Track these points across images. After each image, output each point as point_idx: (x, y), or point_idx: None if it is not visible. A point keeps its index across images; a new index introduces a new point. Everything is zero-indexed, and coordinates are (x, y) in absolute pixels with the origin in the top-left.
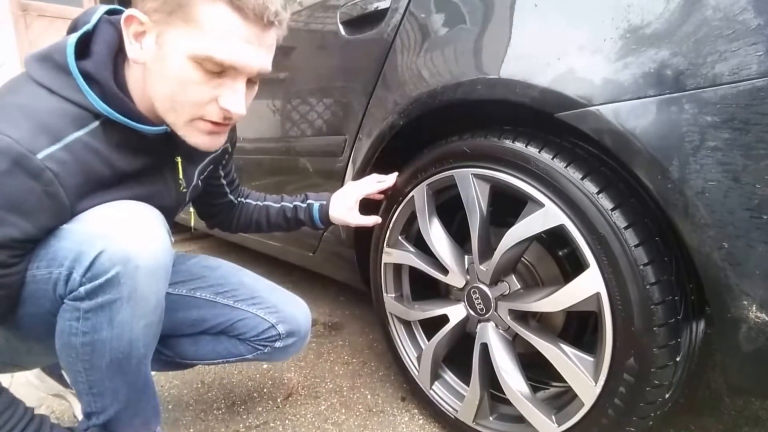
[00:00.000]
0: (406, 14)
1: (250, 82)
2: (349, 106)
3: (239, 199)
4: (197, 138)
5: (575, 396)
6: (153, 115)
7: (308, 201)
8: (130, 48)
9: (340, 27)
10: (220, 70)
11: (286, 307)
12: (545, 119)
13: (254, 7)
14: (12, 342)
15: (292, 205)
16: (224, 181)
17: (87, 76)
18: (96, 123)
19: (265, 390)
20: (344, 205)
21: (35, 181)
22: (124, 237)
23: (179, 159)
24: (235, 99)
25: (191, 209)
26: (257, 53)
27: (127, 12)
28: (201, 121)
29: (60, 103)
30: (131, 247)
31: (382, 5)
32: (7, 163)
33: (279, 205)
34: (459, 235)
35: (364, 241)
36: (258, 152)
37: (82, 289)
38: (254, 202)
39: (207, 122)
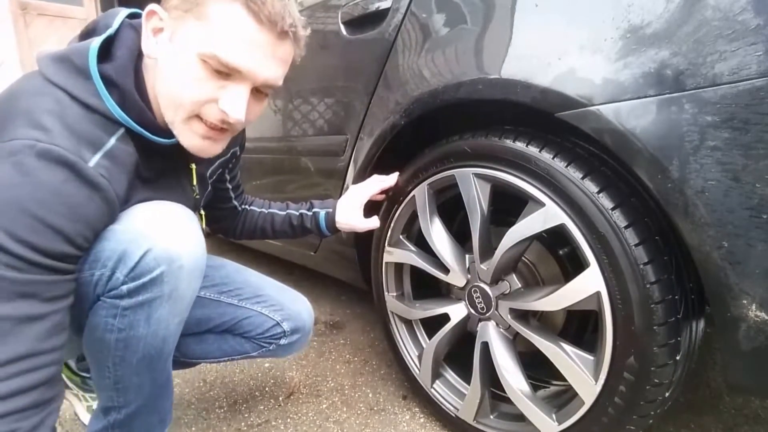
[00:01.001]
0: (407, 14)
1: (258, 92)
2: (351, 106)
3: (243, 206)
4: (191, 140)
5: (576, 394)
6: (163, 121)
7: (314, 209)
8: (146, 42)
9: (342, 27)
10: (225, 72)
11: (290, 304)
12: (546, 119)
13: (270, 14)
14: None
15: (297, 213)
16: (229, 185)
17: (107, 81)
18: (122, 129)
19: (266, 388)
20: (350, 212)
21: (93, 190)
22: (167, 236)
23: (193, 166)
24: (235, 103)
25: (201, 211)
26: (265, 62)
27: (150, 6)
28: (198, 121)
29: (82, 109)
30: (175, 246)
31: (384, 5)
32: (66, 173)
33: (284, 213)
34: (460, 234)
35: (365, 241)
36: (260, 151)
37: (124, 288)
38: (258, 209)
39: (203, 124)
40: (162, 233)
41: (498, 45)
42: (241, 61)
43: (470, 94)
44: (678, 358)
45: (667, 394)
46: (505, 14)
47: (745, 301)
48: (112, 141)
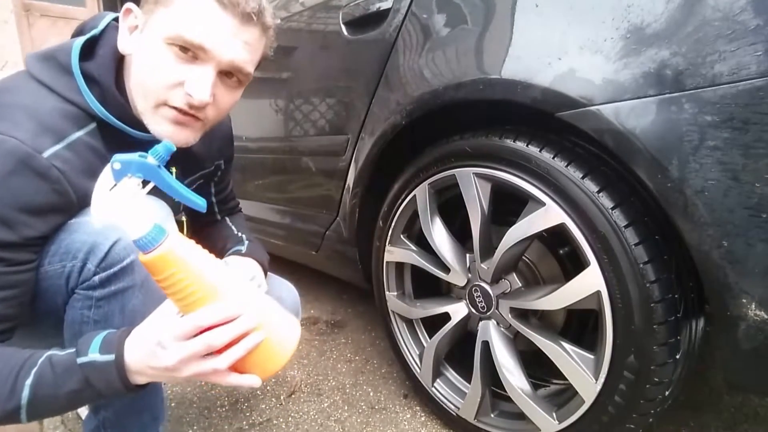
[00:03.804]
0: (408, 15)
1: (227, 78)
2: (352, 106)
3: (225, 216)
4: (161, 126)
5: (576, 393)
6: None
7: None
8: (122, 39)
9: (343, 27)
10: (190, 53)
11: (275, 293)
12: (546, 119)
13: None
14: (14, 342)
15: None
16: (214, 199)
17: (88, 78)
18: (93, 124)
19: (268, 387)
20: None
21: (43, 180)
22: None
23: (174, 169)
24: (200, 84)
25: (183, 217)
26: (228, 41)
27: (127, 5)
28: (165, 107)
29: (60, 103)
30: None
31: (384, 6)
32: (14, 164)
33: (229, 248)
34: (461, 233)
35: (366, 240)
36: (261, 151)
37: (96, 278)
38: (231, 228)
39: (171, 108)
40: None
41: (498, 45)
42: (203, 37)
43: (470, 94)
44: (678, 356)
45: (667, 393)
46: (506, 14)
47: (744, 300)
48: (79, 134)
